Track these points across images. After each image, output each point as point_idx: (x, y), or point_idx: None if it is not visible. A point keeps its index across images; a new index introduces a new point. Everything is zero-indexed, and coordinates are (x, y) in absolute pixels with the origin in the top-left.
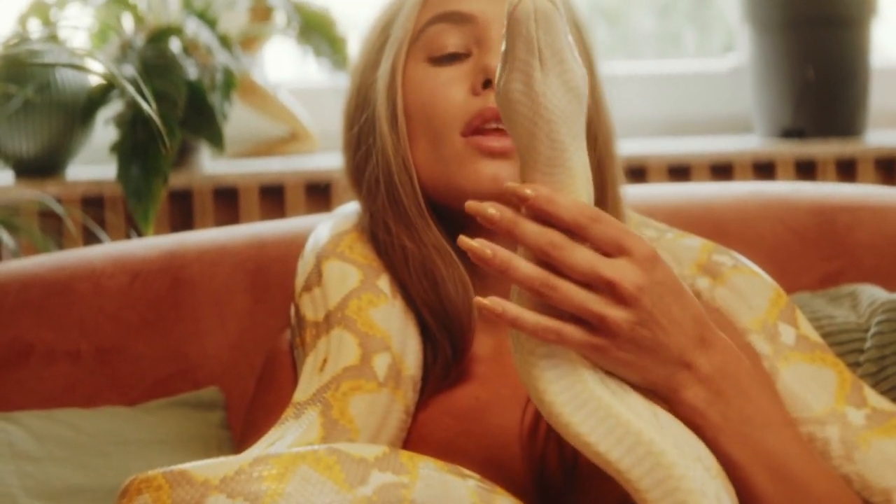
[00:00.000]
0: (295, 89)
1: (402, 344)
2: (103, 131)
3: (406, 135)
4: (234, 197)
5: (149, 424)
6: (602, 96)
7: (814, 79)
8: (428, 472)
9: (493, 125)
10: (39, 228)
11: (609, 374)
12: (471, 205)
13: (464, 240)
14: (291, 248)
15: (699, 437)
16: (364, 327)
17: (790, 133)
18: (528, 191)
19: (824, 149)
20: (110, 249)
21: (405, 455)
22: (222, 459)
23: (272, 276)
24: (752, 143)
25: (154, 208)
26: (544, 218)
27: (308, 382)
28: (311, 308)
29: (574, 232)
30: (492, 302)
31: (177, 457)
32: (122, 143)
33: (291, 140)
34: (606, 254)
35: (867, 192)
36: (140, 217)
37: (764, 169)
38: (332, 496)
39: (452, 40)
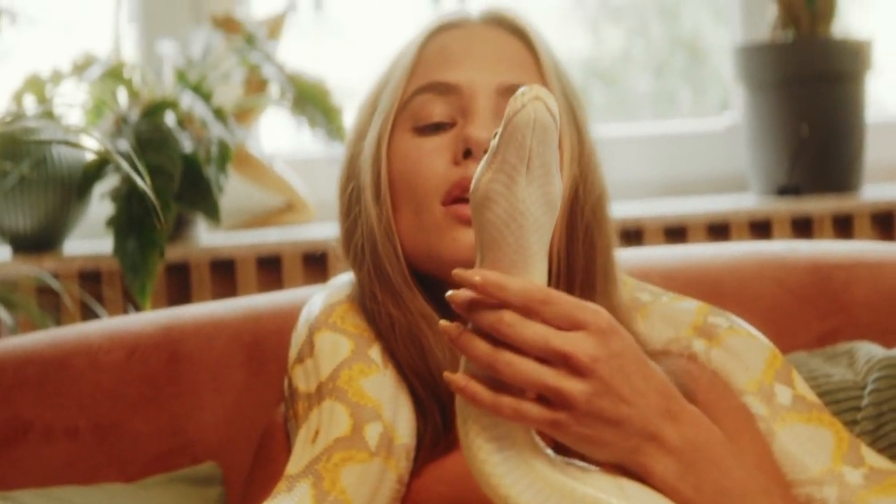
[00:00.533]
0: (290, 160)
1: (394, 413)
2: (99, 206)
3: (389, 204)
4: (231, 269)
5: (146, 501)
6: (593, 160)
7: (808, 135)
8: None
9: None
10: (37, 304)
11: (570, 459)
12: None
13: (443, 324)
14: (288, 321)
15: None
16: (355, 397)
17: (786, 190)
18: (476, 277)
19: (820, 205)
20: (107, 325)
21: None
22: None
23: (269, 348)
24: (748, 202)
25: (151, 282)
26: (495, 303)
27: (300, 455)
28: (303, 380)
29: (526, 314)
30: (457, 377)
31: None
32: (118, 217)
33: (288, 210)
34: (562, 329)
35: (863, 248)
36: (137, 291)
37: (760, 227)
38: None
39: (438, 110)
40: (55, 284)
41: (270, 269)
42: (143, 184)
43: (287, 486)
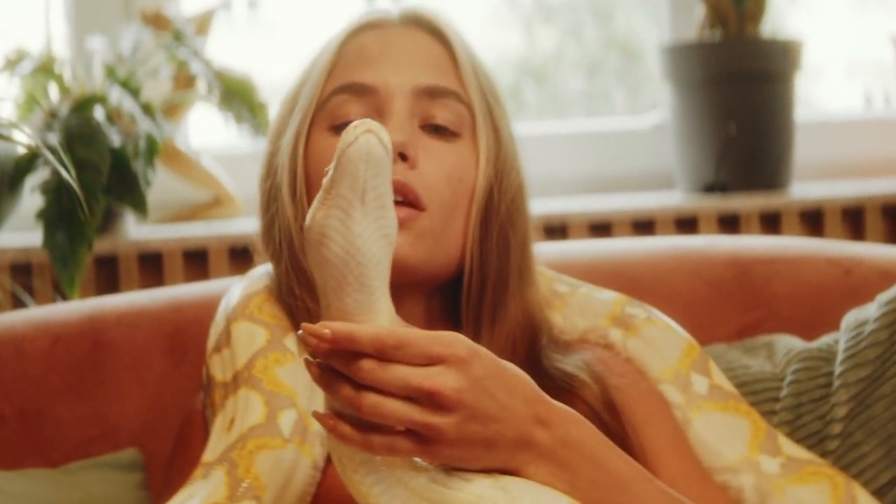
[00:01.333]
0: (218, 155)
1: (310, 400)
2: (30, 199)
3: (306, 202)
4: (158, 261)
5: (70, 486)
6: (510, 160)
7: (735, 134)
8: None
9: None
10: None
11: (451, 468)
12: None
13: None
14: (209, 311)
15: None
16: (270, 385)
17: (712, 188)
18: (325, 331)
19: (747, 203)
20: (32, 314)
21: None
22: None
23: (189, 338)
24: (675, 199)
25: (79, 274)
26: (349, 354)
27: (216, 443)
28: (220, 369)
29: (382, 360)
30: (325, 416)
31: None
32: (48, 210)
33: (215, 205)
34: (422, 366)
35: (783, 243)
36: (66, 283)
37: (686, 224)
38: None
39: (354, 110)
40: None
41: (197, 263)
42: (70, 177)
43: (203, 473)
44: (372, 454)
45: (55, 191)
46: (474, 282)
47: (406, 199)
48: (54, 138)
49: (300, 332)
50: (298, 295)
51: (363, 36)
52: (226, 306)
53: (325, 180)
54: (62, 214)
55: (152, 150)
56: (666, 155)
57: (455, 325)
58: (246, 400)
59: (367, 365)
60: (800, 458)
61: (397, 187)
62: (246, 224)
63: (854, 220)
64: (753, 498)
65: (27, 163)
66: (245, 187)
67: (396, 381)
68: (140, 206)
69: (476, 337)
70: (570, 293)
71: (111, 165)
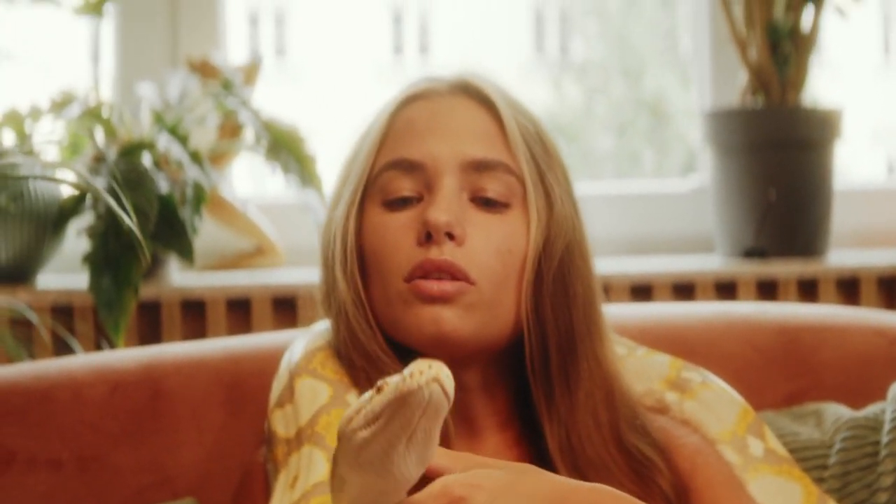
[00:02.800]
0: (262, 205)
1: None
2: (73, 242)
3: (358, 278)
4: (201, 309)
5: None
6: (564, 219)
7: (775, 200)
8: None
9: (435, 275)
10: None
11: None
12: None
13: None
14: (266, 363)
15: None
16: (333, 442)
17: (752, 253)
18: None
19: (786, 269)
20: (90, 360)
21: None
22: None
23: (248, 389)
24: (714, 263)
25: (125, 319)
26: None
27: (280, 499)
28: (282, 425)
29: None
30: None
31: None
32: (95, 254)
33: (258, 254)
34: None
35: (830, 312)
36: (111, 328)
37: (726, 288)
38: None
39: (404, 185)
40: (33, 317)
41: (240, 311)
42: (129, 221)
43: None
44: None
45: (103, 235)
46: (535, 347)
47: (454, 277)
48: (101, 183)
49: None
50: (358, 364)
51: (411, 108)
52: (289, 361)
53: (375, 401)
54: (109, 259)
55: (199, 197)
56: (705, 218)
57: (523, 392)
58: (309, 457)
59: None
60: None
61: (444, 267)
62: (289, 274)
63: (889, 288)
64: None
65: (73, 205)
66: (288, 237)
67: None
68: (187, 253)
69: (551, 403)
70: (627, 355)
71: (158, 212)
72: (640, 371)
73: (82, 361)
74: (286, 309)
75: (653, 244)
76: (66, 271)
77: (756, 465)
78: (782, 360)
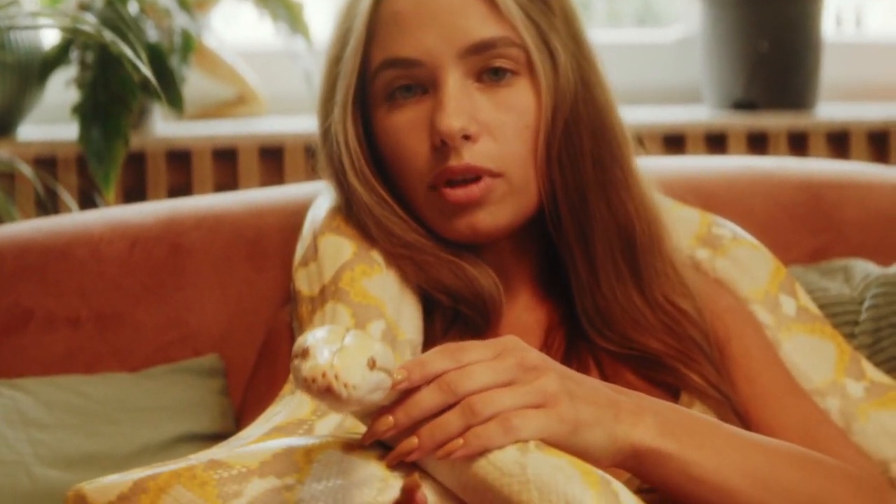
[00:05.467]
0: (244, 52)
1: (398, 311)
2: (55, 93)
3: (374, 180)
4: (187, 160)
5: (153, 391)
6: (571, 73)
7: (767, 51)
8: (325, 461)
9: (459, 181)
10: None
11: None
12: (367, 437)
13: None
14: (290, 217)
15: (673, 482)
16: (357, 297)
17: (741, 105)
18: (397, 376)
19: (776, 121)
20: (106, 215)
21: (302, 451)
22: (116, 478)
23: (271, 244)
24: (703, 115)
25: (115, 171)
26: (426, 380)
27: None
28: (306, 283)
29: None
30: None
31: (183, 424)
32: (84, 104)
33: (239, 103)
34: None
35: (852, 169)
36: (101, 179)
37: (716, 141)
38: None
39: (404, 82)
40: (26, 169)
41: (226, 162)
42: (140, 62)
43: (291, 389)
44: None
45: (91, 85)
46: (550, 208)
47: (478, 177)
48: (89, 31)
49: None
50: (403, 255)
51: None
52: (312, 220)
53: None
54: (98, 109)
55: (188, 45)
56: (691, 69)
57: (546, 254)
58: (333, 313)
59: (452, 376)
60: (883, 382)
61: (467, 171)
62: (274, 123)
63: (879, 143)
64: (839, 421)
65: (57, 55)
66: (270, 85)
67: (489, 371)
68: (177, 103)
69: (573, 263)
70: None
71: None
72: (670, 226)
73: (98, 217)
74: (273, 159)
75: (638, 95)
76: (48, 122)
77: (789, 324)
78: (805, 216)
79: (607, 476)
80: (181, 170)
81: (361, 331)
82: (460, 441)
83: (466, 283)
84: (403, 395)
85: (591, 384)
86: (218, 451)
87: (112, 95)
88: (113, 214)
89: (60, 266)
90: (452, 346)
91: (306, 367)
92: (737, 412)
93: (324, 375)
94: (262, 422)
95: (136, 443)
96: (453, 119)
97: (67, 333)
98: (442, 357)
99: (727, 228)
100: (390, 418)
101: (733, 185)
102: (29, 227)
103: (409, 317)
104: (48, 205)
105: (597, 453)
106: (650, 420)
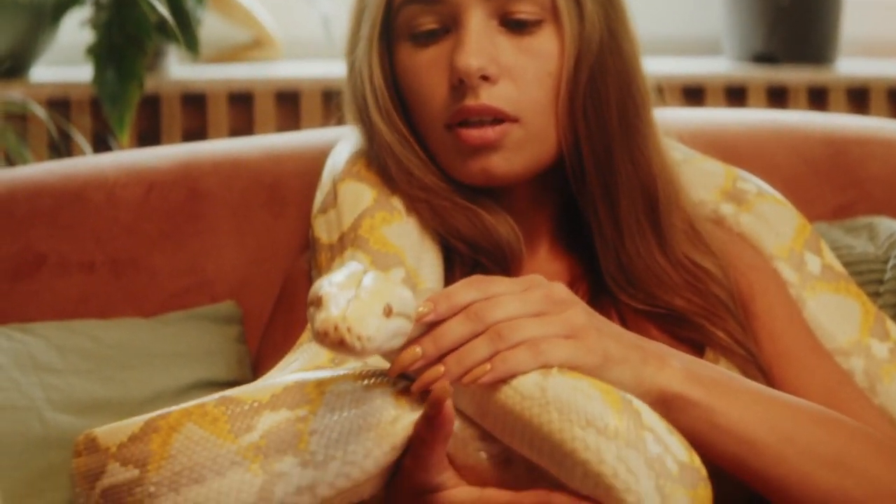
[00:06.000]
0: None
1: (418, 259)
2: (68, 33)
3: (397, 118)
4: (202, 103)
5: (168, 337)
6: (597, 22)
7: (788, 4)
8: (337, 392)
9: (475, 122)
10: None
11: None
12: (395, 370)
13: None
14: (309, 163)
15: (696, 430)
16: (376, 245)
17: (762, 57)
18: (422, 309)
19: (796, 75)
20: (121, 158)
21: (313, 384)
22: (124, 422)
23: (290, 191)
24: (723, 67)
25: (130, 114)
26: (453, 311)
27: None
28: (325, 230)
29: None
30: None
31: (198, 371)
32: (98, 46)
33: (255, 46)
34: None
35: (877, 125)
36: (115, 122)
37: (735, 94)
38: (214, 450)
39: (428, 19)
40: (39, 111)
41: (241, 106)
42: (157, 1)
43: (309, 337)
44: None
45: (106, 25)
46: (573, 162)
47: (495, 118)
48: None
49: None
50: (420, 197)
51: None
52: (332, 166)
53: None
54: (113, 51)
55: None
56: (710, 20)
57: (567, 207)
58: (352, 260)
59: (480, 305)
60: None
61: (483, 111)
62: (291, 67)
63: None
64: (863, 382)
65: None
66: (286, 29)
67: (517, 301)
68: (193, 45)
69: (596, 218)
70: (682, 161)
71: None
72: (695, 179)
73: (112, 160)
74: (289, 104)
75: (657, 45)
76: (61, 64)
77: (813, 282)
78: (830, 171)
79: (628, 395)
80: (196, 114)
81: (381, 273)
82: (487, 366)
83: (483, 231)
84: (430, 326)
85: (615, 327)
86: (229, 391)
87: (127, 36)
88: (128, 158)
89: (74, 210)
90: (479, 278)
91: (319, 319)
92: (761, 369)
93: (336, 328)
94: (279, 370)
95: (150, 389)
96: (472, 57)
97: (81, 278)
98: (469, 288)
99: (752, 183)
100: (417, 349)
101: (757, 138)
102: (42, 170)
103: (429, 265)
104: (61, 147)
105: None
106: (676, 365)
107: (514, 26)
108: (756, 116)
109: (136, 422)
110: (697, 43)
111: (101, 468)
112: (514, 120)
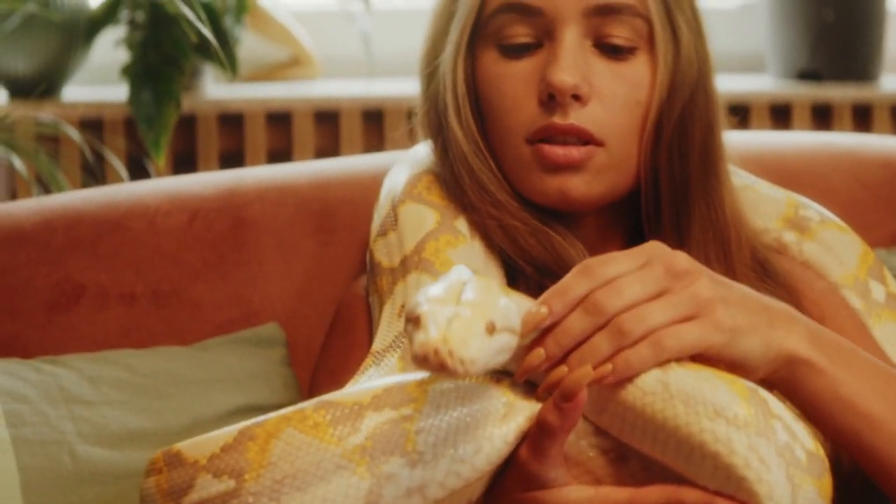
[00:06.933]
0: (298, 13)
1: None
2: (101, 53)
3: (475, 128)
4: (239, 123)
5: (207, 363)
6: (688, 54)
7: (832, 20)
8: (441, 389)
9: (560, 140)
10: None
11: None
12: (521, 374)
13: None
14: (358, 189)
15: (819, 399)
16: (442, 268)
17: (806, 75)
18: (542, 309)
19: (841, 93)
20: (163, 185)
21: (414, 383)
22: (213, 434)
23: (339, 218)
24: (767, 84)
25: (166, 135)
26: (571, 308)
27: (387, 330)
28: (385, 254)
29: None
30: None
31: (240, 396)
32: (134, 66)
33: (293, 65)
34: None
35: None
36: (151, 144)
37: (780, 112)
38: (318, 455)
39: (521, 30)
40: (73, 133)
41: (279, 125)
42: (196, 19)
43: (375, 361)
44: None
45: (141, 45)
46: (649, 194)
47: (581, 140)
48: None
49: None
50: (492, 215)
51: None
52: (390, 188)
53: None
54: (149, 71)
55: (242, 5)
56: (754, 36)
57: (634, 240)
58: (417, 284)
59: (599, 295)
60: None
61: (571, 131)
62: (330, 86)
63: None
64: None
65: (105, 13)
66: (325, 47)
67: (637, 283)
68: (232, 64)
69: None
70: (743, 188)
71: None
72: (757, 207)
73: (153, 187)
74: (328, 123)
75: None
76: (93, 84)
77: (878, 310)
78: (889, 196)
79: (753, 384)
80: (233, 134)
81: (481, 279)
82: (609, 367)
83: (554, 254)
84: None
85: (740, 289)
86: (325, 395)
87: (164, 56)
88: (170, 185)
89: (114, 239)
90: (593, 262)
91: (418, 342)
92: None
93: (436, 353)
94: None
95: (188, 417)
96: (567, 74)
97: (121, 311)
98: (582, 278)
99: (814, 210)
100: (541, 351)
101: (813, 162)
102: (80, 198)
103: None
104: (95, 170)
105: (753, 362)
106: (802, 329)
107: (608, 50)
108: (811, 139)
109: (226, 432)
110: (741, 60)
111: (188, 482)
112: (600, 143)
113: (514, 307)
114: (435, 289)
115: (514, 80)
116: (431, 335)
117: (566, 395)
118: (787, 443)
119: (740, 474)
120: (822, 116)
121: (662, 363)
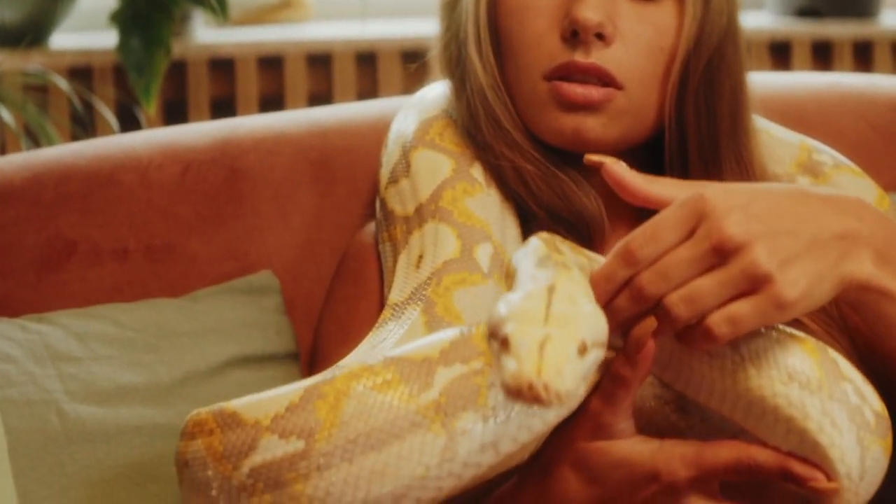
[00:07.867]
0: None
1: (502, 233)
2: None
3: (493, 61)
4: (230, 68)
5: (199, 314)
6: (736, 11)
7: None
8: None
9: (580, 78)
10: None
11: None
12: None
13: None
14: (358, 138)
15: (883, 322)
16: (461, 218)
17: (805, 12)
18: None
19: (841, 30)
20: (155, 137)
21: (479, 335)
22: (273, 393)
23: (338, 168)
24: (766, 21)
25: (156, 82)
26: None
27: (404, 281)
28: (399, 202)
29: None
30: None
31: (233, 347)
32: (122, 12)
33: (284, 7)
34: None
35: None
36: (141, 91)
37: (780, 49)
38: (392, 412)
39: None
40: (61, 83)
41: (271, 70)
42: None
43: (394, 314)
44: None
45: None
46: (675, 146)
47: (601, 80)
48: None
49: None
50: (505, 155)
51: None
52: (400, 133)
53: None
54: (137, 17)
55: None
56: None
57: None
58: (435, 234)
59: (644, 280)
60: None
61: (592, 70)
62: (322, 29)
63: None
64: None
65: None
66: None
67: (682, 264)
68: (223, 8)
69: None
70: (758, 132)
71: None
72: (771, 152)
73: (145, 139)
74: (321, 67)
75: None
76: (81, 30)
77: None
78: None
79: (822, 343)
80: (224, 79)
81: (563, 275)
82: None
83: (566, 201)
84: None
85: (804, 224)
86: (390, 351)
87: (153, 2)
88: (162, 136)
89: (105, 194)
90: (634, 243)
91: (509, 373)
92: (847, 332)
93: (531, 388)
94: (369, 346)
95: (179, 371)
96: (592, 11)
97: (114, 267)
98: (621, 264)
99: (828, 154)
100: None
101: (822, 103)
102: (70, 152)
103: (512, 240)
104: (85, 119)
105: (819, 303)
106: (871, 252)
107: None
108: (818, 80)
109: (289, 391)
110: None
111: (250, 444)
112: (620, 87)
113: (603, 318)
114: (519, 299)
115: (537, 13)
116: (525, 368)
117: (636, 344)
118: (858, 405)
119: (814, 439)
120: (822, 54)
121: None
